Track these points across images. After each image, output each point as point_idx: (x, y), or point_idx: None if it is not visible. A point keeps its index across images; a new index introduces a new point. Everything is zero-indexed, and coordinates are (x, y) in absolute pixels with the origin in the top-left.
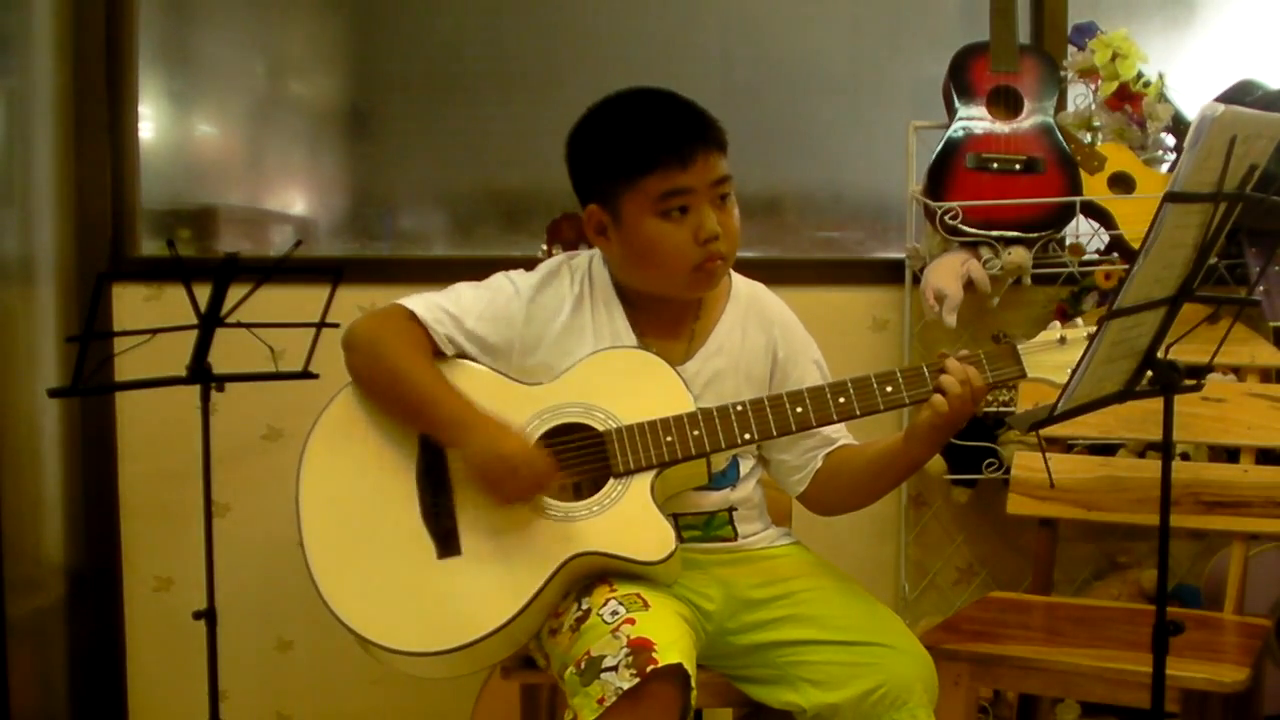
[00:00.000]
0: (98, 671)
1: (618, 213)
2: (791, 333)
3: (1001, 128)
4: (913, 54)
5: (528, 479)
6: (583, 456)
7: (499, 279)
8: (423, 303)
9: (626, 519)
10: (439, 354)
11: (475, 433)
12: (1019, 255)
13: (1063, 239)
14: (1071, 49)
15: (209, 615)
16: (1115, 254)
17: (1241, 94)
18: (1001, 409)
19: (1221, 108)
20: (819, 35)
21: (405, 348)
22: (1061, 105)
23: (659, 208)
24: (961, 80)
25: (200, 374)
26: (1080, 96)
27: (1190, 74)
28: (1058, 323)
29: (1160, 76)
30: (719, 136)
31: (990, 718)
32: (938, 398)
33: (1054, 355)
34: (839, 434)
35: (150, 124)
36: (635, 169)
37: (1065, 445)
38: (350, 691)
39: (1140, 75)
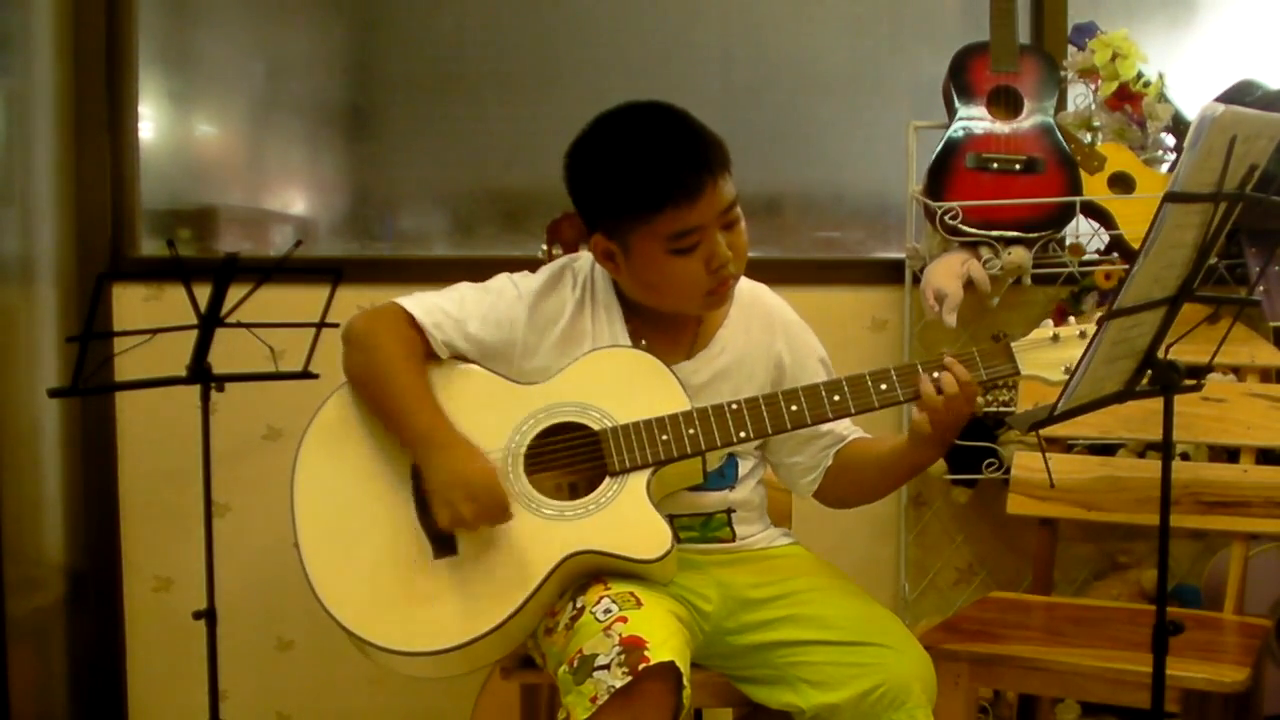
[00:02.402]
0: (98, 671)
1: (626, 246)
2: (795, 336)
3: (1001, 128)
4: (913, 54)
5: (483, 508)
6: (578, 456)
7: (502, 281)
8: (422, 306)
9: (623, 517)
10: (434, 357)
11: (442, 452)
12: (1019, 255)
13: (1063, 239)
14: (1071, 49)
15: (209, 615)
16: (1115, 254)
17: (1241, 94)
18: (1001, 409)
19: (1221, 108)
20: (819, 35)
21: (396, 353)
22: (1061, 105)
23: (671, 246)
24: (961, 80)
25: (200, 374)
26: (1080, 96)
27: (1190, 74)
28: (1049, 321)
29: (1160, 76)
30: (724, 159)
31: (990, 718)
32: (927, 390)
33: (1047, 353)
34: (849, 430)
35: (150, 124)
36: (644, 208)
37: (1065, 445)
38: (350, 691)
39: (1140, 75)
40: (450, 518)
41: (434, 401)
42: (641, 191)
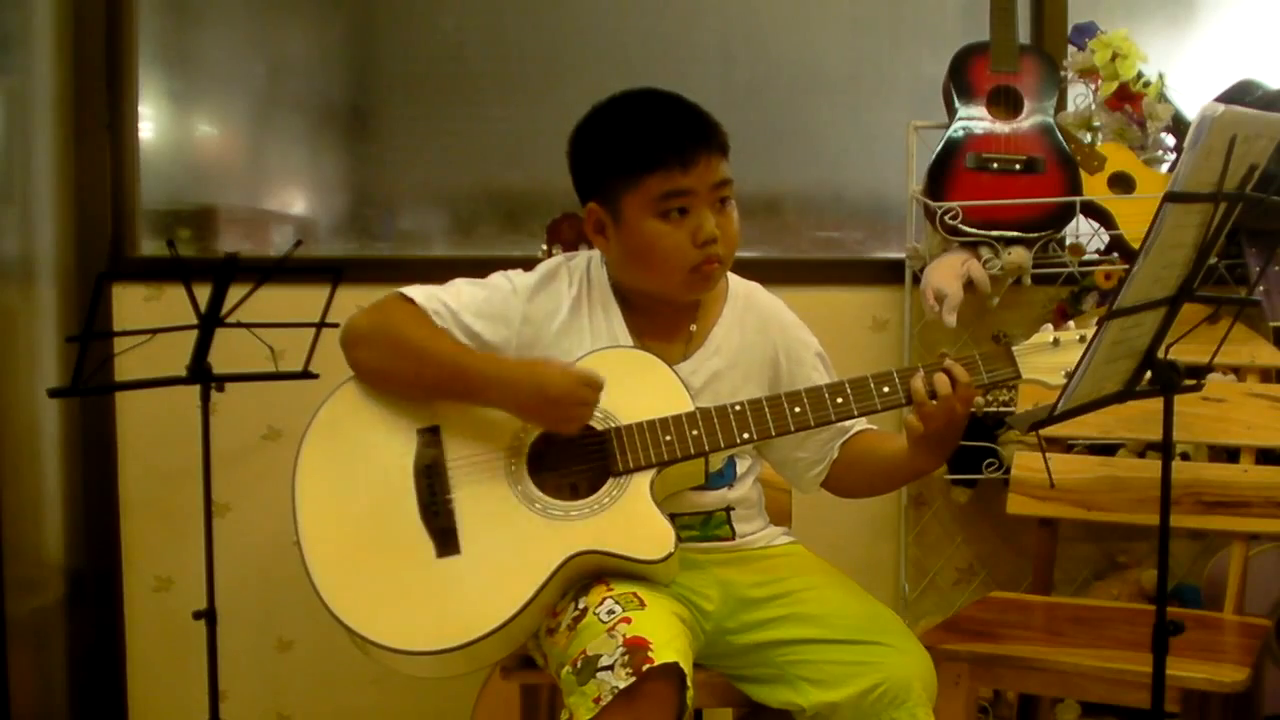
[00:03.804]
0: (98, 671)
1: (617, 211)
2: (791, 335)
3: (1001, 128)
4: (913, 54)
5: (583, 399)
6: (581, 455)
7: (497, 278)
8: (422, 293)
9: (627, 518)
10: None
11: (516, 383)
12: (1019, 255)
13: (1063, 239)
14: (1071, 49)
15: (209, 615)
16: (1115, 254)
17: (1241, 94)
18: (1001, 409)
19: (1221, 108)
20: (819, 35)
21: (417, 326)
22: (1061, 105)
23: (659, 208)
24: (961, 80)
25: (200, 374)
26: (1080, 96)
27: (1190, 74)
28: (1050, 325)
29: (1160, 76)
30: (722, 140)
31: (990, 718)
32: (916, 388)
33: (1047, 357)
34: (854, 422)
35: (150, 124)
36: (637, 168)
37: (1065, 445)
38: (350, 691)
39: (1140, 75)
40: (569, 424)
41: (476, 351)
42: (637, 151)
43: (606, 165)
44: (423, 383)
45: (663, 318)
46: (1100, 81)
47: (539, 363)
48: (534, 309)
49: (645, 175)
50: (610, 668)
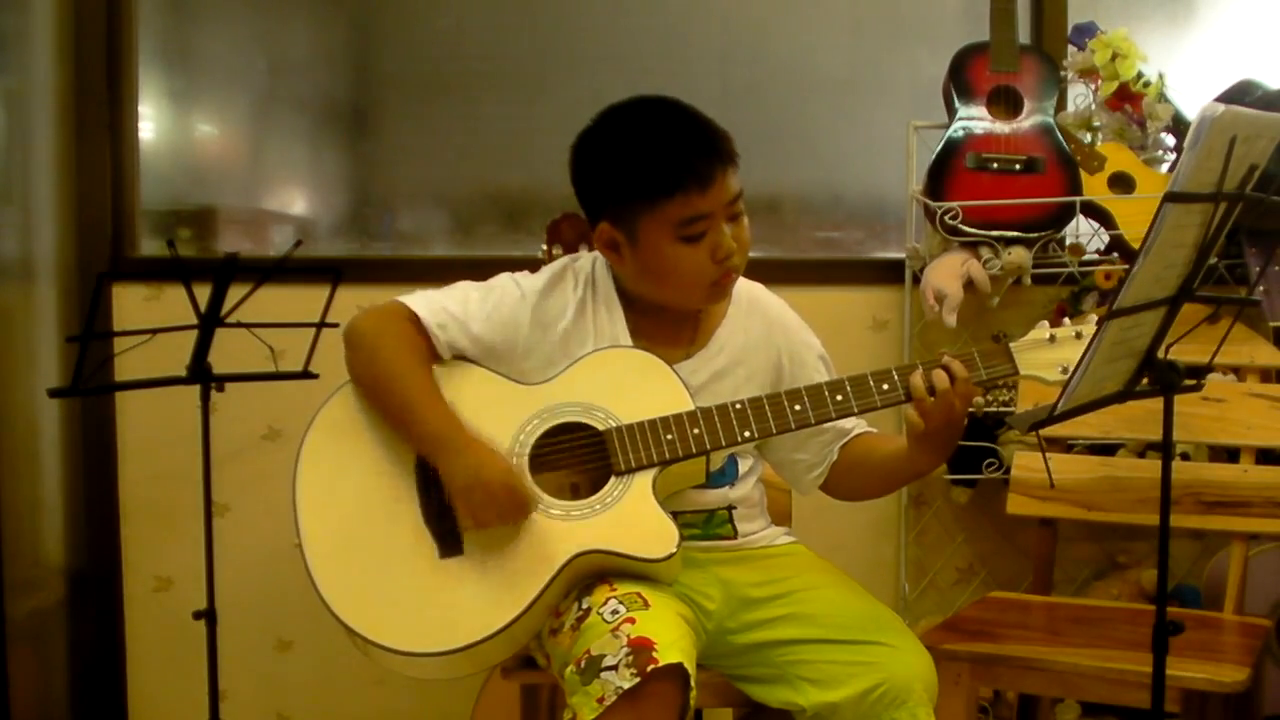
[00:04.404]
0: (98, 671)
1: (634, 234)
2: (793, 335)
3: (1001, 128)
4: (913, 54)
5: (507, 506)
6: (582, 456)
7: (504, 280)
8: (426, 305)
9: (629, 517)
10: (436, 358)
11: (459, 454)
12: (1019, 255)
13: (1063, 239)
14: (1071, 49)
15: (209, 615)
16: (1115, 254)
17: (1241, 94)
18: (1001, 409)
19: (1221, 108)
20: (819, 35)
21: (402, 354)
22: (1061, 105)
23: (679, 233)
24: (961, 80)
25: (200, 374)
26: (1080, 96)
27: (1190, 74)
28: (1046, 323)
29: (1160, 76)
30: (731, 150)
31: (990, 718)
32: (916, 384)
33: (1044, 353)
34: (853, 424)
35: (150, 124)
36: (655, 193)
37: (1065, 445)
38: (350, 691)
39: (1140, 75)
40: (474, 520)
41: (445, 404)
42: (654, 176)
43: (620, 189)
44: (388, 413)
45: (666, 319)
46: (1100, 81)
47: (490, 453)
48: (541, 313)
49: (664, 200)
50: (614, 668)
